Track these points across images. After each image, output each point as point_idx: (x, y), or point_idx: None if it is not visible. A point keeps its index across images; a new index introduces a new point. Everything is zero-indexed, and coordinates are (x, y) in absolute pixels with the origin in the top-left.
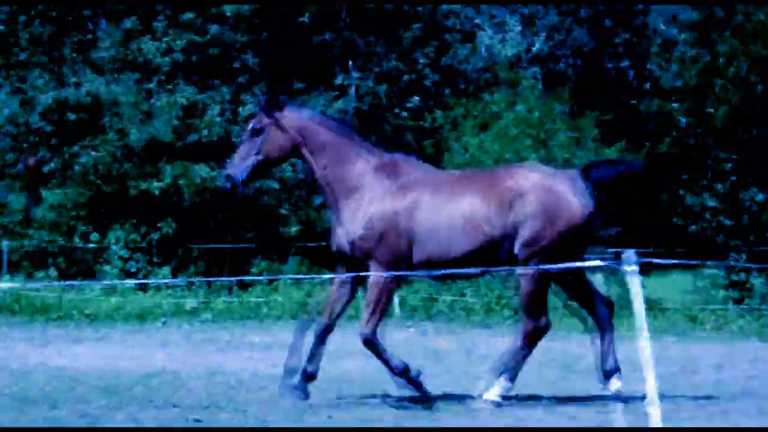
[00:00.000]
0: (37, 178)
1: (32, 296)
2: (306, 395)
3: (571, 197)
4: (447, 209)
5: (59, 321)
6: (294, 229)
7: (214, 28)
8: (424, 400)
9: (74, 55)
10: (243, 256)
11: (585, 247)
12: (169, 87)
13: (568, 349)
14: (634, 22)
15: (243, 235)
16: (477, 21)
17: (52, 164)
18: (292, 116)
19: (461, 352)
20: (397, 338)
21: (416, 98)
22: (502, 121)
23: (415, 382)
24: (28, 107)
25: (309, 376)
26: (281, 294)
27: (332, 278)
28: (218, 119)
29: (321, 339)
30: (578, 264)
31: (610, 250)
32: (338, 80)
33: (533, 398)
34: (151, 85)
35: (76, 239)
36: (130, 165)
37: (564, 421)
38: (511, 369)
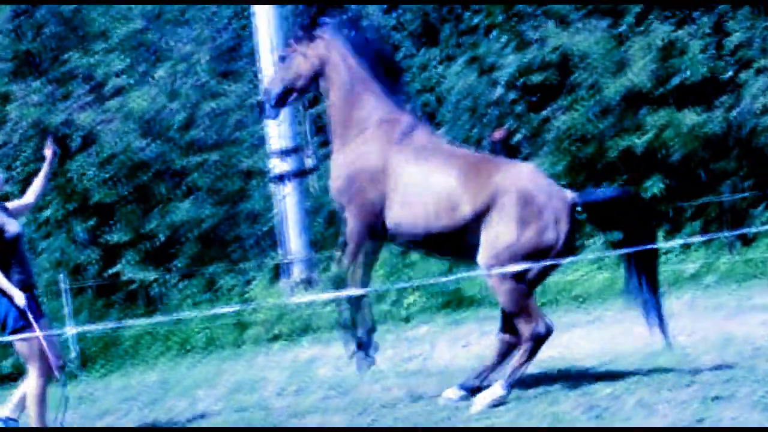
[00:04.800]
0: (505, 151)
1: None
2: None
3: (549, 218)
4: (426, 182)
5: (544, 307)
6: None
7: None
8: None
9: (530, 9)
10: (744, 208)
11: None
12: (641, 29)
13: None
14: None
15: (741, 184)
16: None
17: (519, 134)
18: (318, 44)
19: None
20: None
21: None
22: None
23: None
24: (486, 76)
25: None
26: None
27: None
28: (701, 56)
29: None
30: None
31: None
32: None
33: None
34: (622, 29)
35: None
36: (608, 122)
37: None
38: (509, 376)
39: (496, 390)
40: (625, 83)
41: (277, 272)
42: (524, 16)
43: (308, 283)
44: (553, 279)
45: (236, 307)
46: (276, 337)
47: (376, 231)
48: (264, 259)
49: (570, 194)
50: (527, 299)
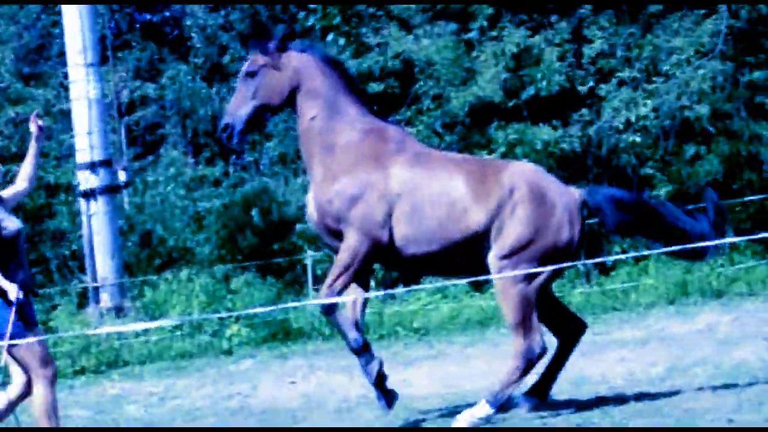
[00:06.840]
0: None
1: None
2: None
3: (563, 216)
4: (433, 190)
5: (381, 340)
6: (663, 192)
7: None
8: (382, 395)
9: (371, 10)
10: (601, 234)
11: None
12: (494, 33)
13: None
14: None
15: None
16: None
17: None
18: (290, 55)
19: None
20: None
21: None
22: None
23: (370, 366)
24: None
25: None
26: (652, 275)
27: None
28: (558, 65)
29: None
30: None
31: None
32: None
33: None
34: (472, 35)
35: None
36: (454, 137)
37: None
38: (496, 394)
39: (483, 408)
40: (473, 94)
41: (84, 298)
42: (364, 18)
43: (118, 311)
44: (392, 308)
45: (38, 338)
46: (81, 371)
47: (379, 250)
48: (69, 284)
49: (578, 192)
50: (532, 309)
